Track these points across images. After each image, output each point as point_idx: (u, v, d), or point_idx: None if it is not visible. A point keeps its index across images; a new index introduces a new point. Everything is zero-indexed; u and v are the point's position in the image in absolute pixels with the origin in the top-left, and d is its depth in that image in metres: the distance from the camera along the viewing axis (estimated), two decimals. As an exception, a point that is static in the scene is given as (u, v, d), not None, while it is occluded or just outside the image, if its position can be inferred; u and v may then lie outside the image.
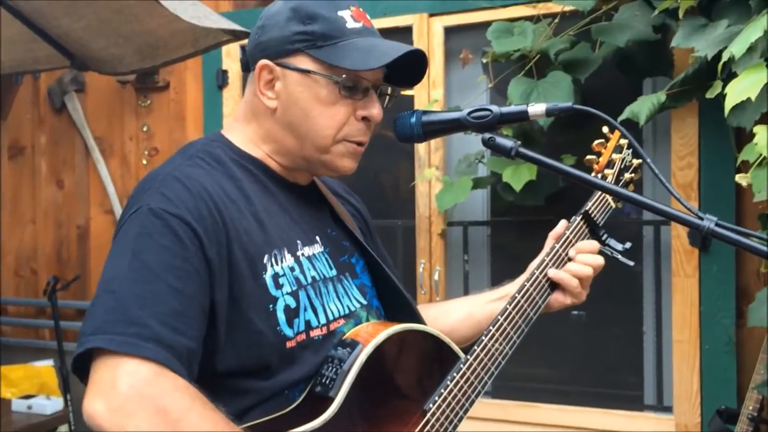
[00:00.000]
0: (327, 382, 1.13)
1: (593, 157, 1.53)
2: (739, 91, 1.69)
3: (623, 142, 1.53)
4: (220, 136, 1.27)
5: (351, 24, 1.20)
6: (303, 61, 1.19)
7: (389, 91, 1.27)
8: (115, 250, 1.09)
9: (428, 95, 2.81)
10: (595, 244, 1.41)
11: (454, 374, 1.19)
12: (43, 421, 3.14)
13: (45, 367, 3.44)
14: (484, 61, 2.58)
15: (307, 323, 1.17)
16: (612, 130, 1.53)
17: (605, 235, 1.44)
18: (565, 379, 2.84)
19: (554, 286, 1.37)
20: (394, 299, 1.35)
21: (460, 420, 1.19)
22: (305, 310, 1.17)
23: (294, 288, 1.17)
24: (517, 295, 1.31)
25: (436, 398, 1.17)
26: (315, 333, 1.18)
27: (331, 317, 1.21)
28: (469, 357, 1.22)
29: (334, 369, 1.14)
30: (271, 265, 1.15)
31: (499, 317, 1.27)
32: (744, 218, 2.36)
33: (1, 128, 3.78)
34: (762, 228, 2.02)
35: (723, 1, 2.11)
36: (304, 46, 1.19)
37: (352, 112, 1.22)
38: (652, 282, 2.63)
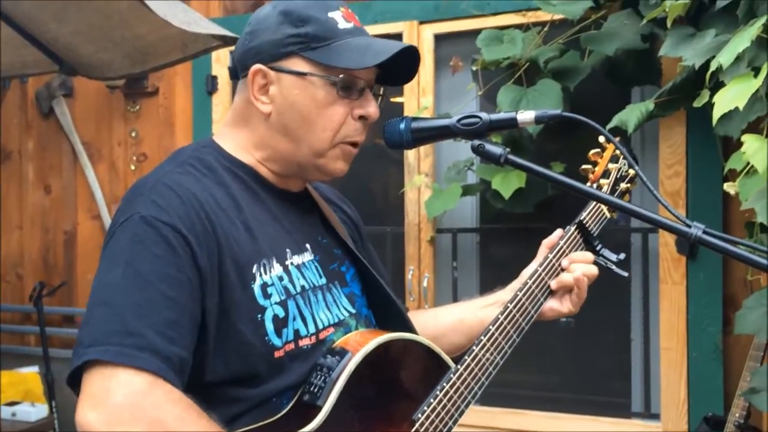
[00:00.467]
0: (315, 390, 1.12)
1: (589, 166, 1.52)
2: (726, 100, 1.70)
3: (619, 152, 1.53)
4: (210, 142, 1.26)
5: (343, 24, 1.20)
6: (298, 64, 1.19)
7: (381, 91, 1.27)
8: (107, 258, 1.08)
9: (418, 102, 2.81)
10: (589, 255, 1.40)
11: (444, 384, 1.18)
12: (27, 428, 3.11)
13: (30, 373, 3.41)
14: (474, 68, 2.58)
15: (296, 332, 1.16)
16: (608, 140, 1.53)
17: (599, 246, 1.43)
18: (553, 386, 2.84)
19: (547, 296, 1.36)
20: (385, 307, 1.34)
21: (449, 430, 1.18)
22: (294, 319, 1.17)
23: (283, 297, 1.16)
24: (509, 305, 1.30)
25: (425, 408, 1.16)
26: (304, 342, 1.17)
27: (320, 326, 1.20)
28: (459, 366, 1.21)
29: (323, 377, 1.13)
30: (260, 275, 1.14)
31: (491, 327, 1.26)
32: (731, 226, 2.38)
33: (-12, 133, 3.76)
34: (748, 236, 2.04)
35: (711, 11, 2.12)
36: (298, 48, 1.18)
37: (349, 112, 1.21)
38: (639, 289, 2.64)
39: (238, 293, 1.11)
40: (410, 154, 2.81)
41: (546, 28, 2.48)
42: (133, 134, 3.45)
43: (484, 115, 1.18)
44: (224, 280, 1.10)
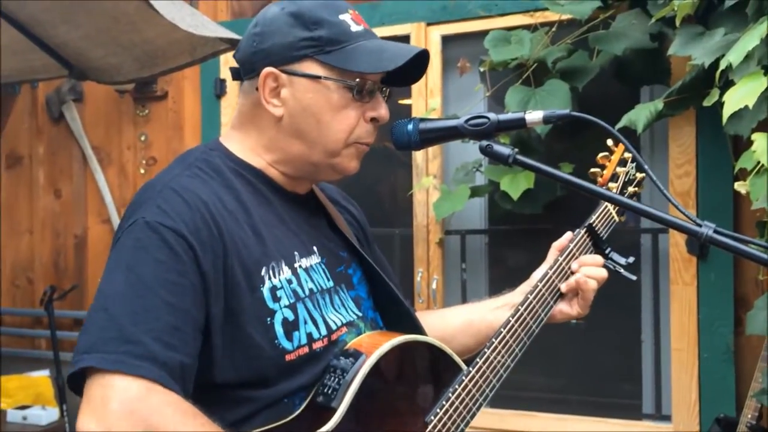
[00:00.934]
0: (329, 392, 1.12)
1: (597, 170, 1.52)
2: (736, 99, 1.69)
3: (627, 155, 1.52)
4: (218, 145, 1.25)
5: (354, 27, 1.20)
6: (311, 67, 1.18)
7: (387, 92, 1.26)
8: (111, 263, 1.08)
9: (426, 104, 2.81)
10: (599, 258, 1.41)
11: (456, 386, 1.18)
12: (38, 432, 3.12)
13: (41, 377, 3.42)
14: (482, 69, 2.58)
15: (309, 336, 1.16)
16: (616, 143, 1.53)
17: (608, 249, 1.44)
18: (563, 388, 2.83)
19: (557, 299, 1.37)
20: (393, 309, 1.34)
21: None
22: (305, 323, 1.16)
23: (292, 301, 1.16)
24: (520, 308, 1.30)
25: (438, 410, 1.16)
26: (317, 345, 1.17)
27: (333, 327, 1.20)
28: (471, 369, 1.20)
29: (337, 379, 1.13)
30: (269, 278, 1.14)
31: (502, 329, 1.26)
32: (742, 226, 2.36)
33: (-1, 138, 3.78)
34: (760, 235, 2.02)
35: (720, 9, 2.11)
36: (312, 52, 1.17)
37: (361, 115, 1.21)
38: (650, 290, 2.62)
39: (246, 297, 1.10)
40: (418, 156, 2.81)
41: (554, 29, 2.47)
42: (143, 138, 3.46)
43: (492, 116, 1.18)
44: (231, 284, 1.09)
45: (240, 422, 1.10)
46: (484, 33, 2.54)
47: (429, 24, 2.83)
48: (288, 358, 1.13)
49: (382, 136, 1.30)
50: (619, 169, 1.52)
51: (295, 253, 1.20)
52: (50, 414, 3.19)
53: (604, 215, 1.46)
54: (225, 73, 3.19)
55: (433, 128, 1.22)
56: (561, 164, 2.45)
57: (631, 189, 1.53)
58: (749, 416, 2.12)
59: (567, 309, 1.38)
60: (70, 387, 1.03)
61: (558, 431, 2.63)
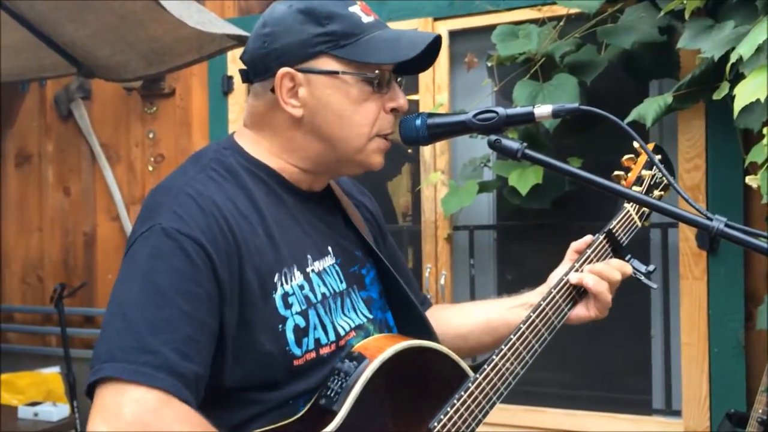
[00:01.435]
0: (332, 395, 1.11)
1: (621, 173, 1.46)
2: (748, 92, 1.68)
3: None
4: (232, 143, 1.23)
5: (365, 18, 1.18)
6: (328, 63, 1.16)
7: (401, 81, 1.25)
8: (126, 269, 1.07)
9: (433, 99, 2.81)
10: (613, 262, 1.34)
11: (461, 393, 1.16)
12: (49, 428, 3.13)
13: (51, 374, 3.44)
14: (489, 64, 2.57)
15: (317, 341, 1.16)
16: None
17: (629, 257, 1.38)
18: (573, 383, 2.82)
19: (572, 306, 1.33)
20: (405, 310, 1.32)
21: None
22: (315, 328, 1.16)
23: (304, 307, 1.15)
24: (532, 314, 1.26)
25: (442, 417, 1.14)
26: (325, 350, 1.16)
27: (342, 332, 1.19)
28: (477, 376, 1.18)
29: (340, 382, 1.12)
30: (281, 285, 1.13)
31: (512, 337, 1.23)
32: (752, 220, 2.35)
33: (8, 136, 3.80)
34: (770, 230, 2.01)
35: (729, 2, 2.10)
36: (327, 47, 1.15)
37: (381, 106, 1.20)
38: (660, 285, 2.61)
39: (259, 303, 1.10)
40: (426, 152, 2.80)
41: (562, 23, 2.46)
42: (151, 135, 3.47)
43: (501, 110, 1.17)
44: (245, 291, 1.08)
45: (245, 423, 1.10)
46: (491, 28, 2.53)
47: (436, 19, 2.82)
48: (296, 363, 1.13)
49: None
50: (644, 172, 1.46)
51: (308, 256, 1.19)
52: (61, 410, 3.21)
53: (626, 220, 1.40)
54: (232, 70, 3.19)
55: (442, 123, 1.21)
56: (569, 159, 2.44)
57: (656, 192, 1.47)
58: (760, 411, 2.11)
59: (584, 313, 1.33)
60: (88, 394, 1.02)
61: (568, 427, 2.63)
